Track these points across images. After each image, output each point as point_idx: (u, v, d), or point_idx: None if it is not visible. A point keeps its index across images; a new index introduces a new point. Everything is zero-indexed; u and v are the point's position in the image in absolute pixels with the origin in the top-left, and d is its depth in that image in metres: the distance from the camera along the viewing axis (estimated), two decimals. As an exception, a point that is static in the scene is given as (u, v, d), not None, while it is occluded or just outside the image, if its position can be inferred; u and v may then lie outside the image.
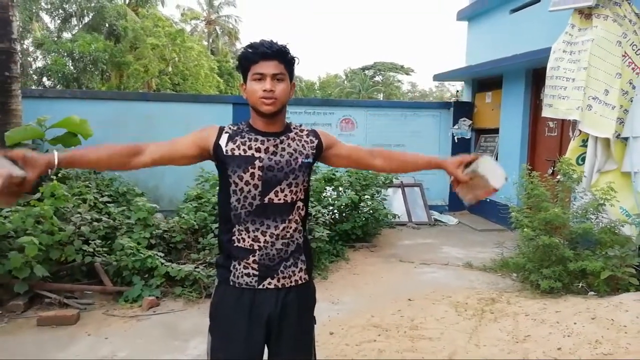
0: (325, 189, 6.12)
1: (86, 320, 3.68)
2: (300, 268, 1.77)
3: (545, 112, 5.33)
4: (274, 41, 1.68)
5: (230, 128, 1.74)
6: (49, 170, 1.51)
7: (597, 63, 4.69)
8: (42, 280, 3.92)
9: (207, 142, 1.71)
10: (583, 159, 4.93)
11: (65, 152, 1.56)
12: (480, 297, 4.17)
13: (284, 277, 1.72)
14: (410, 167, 1.96)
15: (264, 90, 1.64)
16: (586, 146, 4.88)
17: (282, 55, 1.67)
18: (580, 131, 4.94)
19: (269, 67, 1.65)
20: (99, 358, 3.11)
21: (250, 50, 1.67)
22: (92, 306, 3.94)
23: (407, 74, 39.24)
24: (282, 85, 1.67)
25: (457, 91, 10.32)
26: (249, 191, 1.67)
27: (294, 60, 1.72)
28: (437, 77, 9.35)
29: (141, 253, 4.17)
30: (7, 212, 4.12)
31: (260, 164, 1.67)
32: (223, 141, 1.69)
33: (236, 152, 1.68)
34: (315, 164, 1.87)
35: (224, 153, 1.68)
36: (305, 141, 1.77)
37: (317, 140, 1.80)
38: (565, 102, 4.94)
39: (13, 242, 3.81)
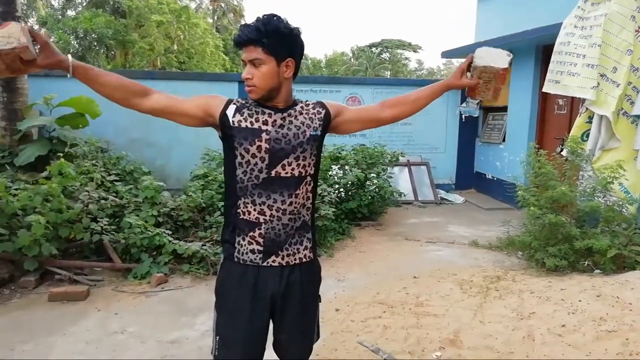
0: (331, 168, 6.11)
1: (96, 296, 3.74)
2: (306, 246, 1.77)
3: (549, 88, 5.21)
4: (257, 20, 1.59)
5: (238, 101, 1.72)
6: (58, 69, 1.51)
7: (609, 39, 4.59)
8: (52, 257, 3.99)
9: (214, 110, 1.68)
10: (587, 136, 4.88)
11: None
12: (485, 275, 4.18)
13: (288, 255, 1.72)
14: (421, 102, 1.90)
15: (242, 77, 1.63)
16: (592, 123, 4.82)
17: (256, 40, 1.57)
18: (587, 108, 4.87)
19: (247, 53, 1.60)
20: (109, 332, 3.17)
21: (235, 35, 1.63)
22: (101, 282, 4.01)
23: (415, 51, 38.62)
24: (261, 70, 1.60)
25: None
26: (256, 164, 1.65)
27: (277, 38, 1.58)
28: (445, 54, 9.20)
29: (149, 231, 4.22)
30: (15, 190, 4.16)
31: (267, 137, 1.65)
32: (230, 112, 1.67)
33: (243, 124, 1.66)
34: (324, 140, 1.82)
35: (231, 124, 1.66)
36: (312, 113, 1.74)
37: (324, 111, 1.76)
38: (576, 79, 4.84)
39: (22, 220, 3.86)
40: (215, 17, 30.85)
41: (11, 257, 3.86)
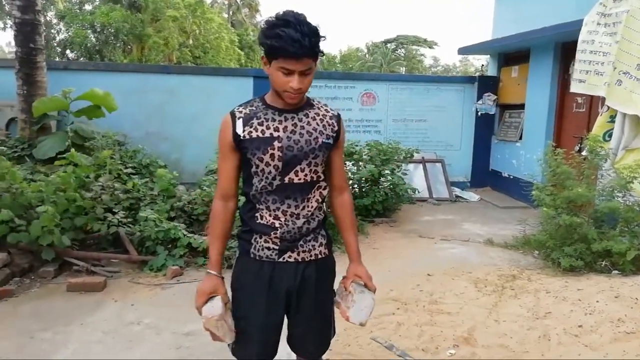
0: (345, 164, 6.10)
1: (113, 288, 3.80)
2: (321, 242, 1.79)
3: (576, 88, 5.14)
4: (304, 30, 1.51)
5: (241, 111, 1.69)
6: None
7: (630, 36, 4.49)
8: (69, 248, 4.05)
9: (231, 141, 1.68)
10: (610, 135, 4.79)
11: (210, 265, 1.74)
12: (500, 274, 4.15)
13: (304, 251, 1.74)
14: (341, 229, 1.93)
15: (292, 88, 1.58)
16: (614, 122, 4.73)
17: (314, 52, 1.56)
18: (608, 107, 4.78)
19: (298, 65, 1.55)
20: (126, 323, 3.22)
21: (276, 44, 1.52)
22: (118, 274, 4.06)
23: (431, 47, 38.32)
24: (309, 78, 1.60)
25: (482, 65, 10.07)
26: (270, 172, 1.66)
27: (320, 45, 1.60)
28: (461, 51, 9.11)
29: (164, 224, 4.26)
30: (33, 181, 4.23)
31: (280, 144, 1.65)
32: (239, 128, 1.66)
33: (254, 135, 1.65)
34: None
35: (242, 138, 1.65)
36: (327, 122, 1.73)
37: (337, 128, 1.76)
38: (603, 78, 4.75)
39: (38, 211, 3.92)
40: (231, 12, 30.94)
41: (30, 248, 3.94)
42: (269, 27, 1.56)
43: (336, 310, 1.91)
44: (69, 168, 4.35)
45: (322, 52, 1.62)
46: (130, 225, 4.44)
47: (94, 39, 19.34)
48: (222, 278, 1.70)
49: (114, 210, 4.48)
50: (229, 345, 1.83)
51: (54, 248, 3.94)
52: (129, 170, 5.33)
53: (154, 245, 4.26)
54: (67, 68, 7.45)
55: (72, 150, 4.63)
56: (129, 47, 20.91)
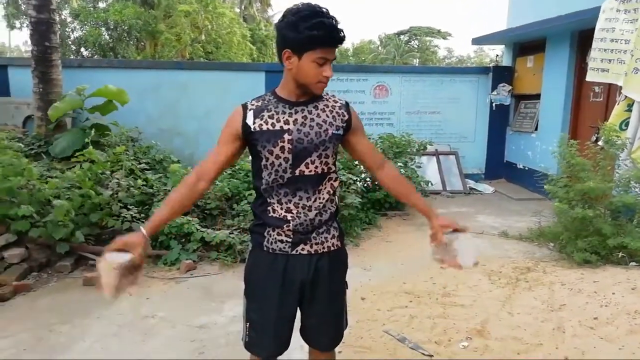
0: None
1: (128, 282, 3.85)
2: (333, 235, 1.79)
3: (596, 77, 5.02)
4: (334, 18, 1.61)
5: (253, 104, 1.71)
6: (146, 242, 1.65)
7: (649, 22, 4.38)
8: (85, 243, 4.12)
9: (236, 131, 1.70)
10: (627, 124, 4.69)
11: (146, 222, 1.69)
12: (515, 266, 4.11)
13: (316, 244, 1.74)
14: (403, 198, 1.89)
15: (325, 76, 1.62)
16: (631, 111, 4.63)
17: (343, 41, 1.64)
18: (625, 95, 4.67)
19: (333, 53, 1.63)
20: (141, 316, 3.27)
21: (320, 33, 1.55)
22: (133, 268, 4.11)
23: (445, 38, 37.84)
24: (331, 67, 1.66)
25: (497, 55, 9.90)
26: (280, 164, 1.67)
27: None
28: (476, 41, 8.98)
29: (177, 219, 4.30)
30: (49, 178, 4.31)
31: (290, 137, 1.65)
32: (250, 120, 1.67)
33: (264, 127, 1.66)
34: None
35: (252, 130, 1.67)
36: (337, 113, 1.74)
37: (347, 116, 1.76)
38: (623, 66, 4.65)
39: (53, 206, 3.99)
40: (242, 7, 30.93)
41: (47, 243, 4.01)
42: (302, 19, 1.56)
43: (346, 295, 1.89)
44: (85, 165, 4.41)
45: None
46: (144, 220, 4.49)
47: (107, 37, 19.52)
48: (146, 240, 1.63)
49: (128, 206, 4.53)
50: (242, 339, 1.85)
51: (69, 243, 4.00)
52: (143, 166, 5.38)
53: (167, 239, 4.30)
54: (82, 66, 7.53)
55: (90, 147, 4.69)
56: (142, 43, 21.06)
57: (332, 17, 1.60)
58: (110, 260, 1.55)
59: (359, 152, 1.84)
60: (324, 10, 1.60)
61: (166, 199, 1.73)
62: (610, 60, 4.83)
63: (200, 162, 1.77)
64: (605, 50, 4.85)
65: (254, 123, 1.67)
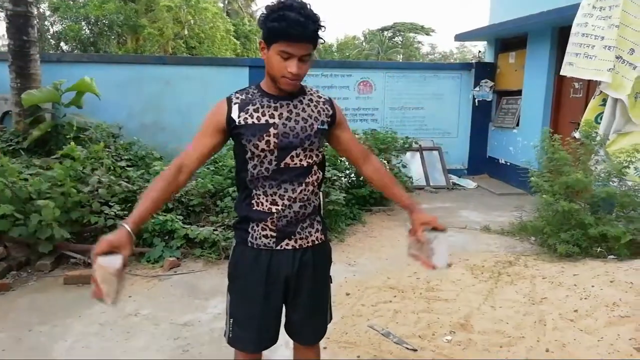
0: (342, 153, 6.08)
1: (110, 280, 3.79)
2: (317, 229, 1.79)
3: (565, 71, 5.10)
4: (307, 14, 1.53)
5: (238, 97, 1.69)
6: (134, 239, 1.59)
7: (627, 20, 4.46)
8: (66, 241, 4.05)
9: (221, 123, 1.67)
10: (601, 118, 4.78)
11: (128, 218, 1.60)
12: (497, 260, 4.16)
13: (301, 238, 1.74)
14: (387, 192, 1.90)
15: (290, 72, 1.57)
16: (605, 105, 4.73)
17: (312, 38, 1.57)
18: (601, 90, 4.77)
19: (299, 49, 1.55)
20: (124, 315, 3.23)
21: (279, 25, 1.52)
22: (115, 266, 4.06)
23: (428, 34, 38.07)
24: (307, 65, 1.61)
25: (479, 52, 10.00)
26: (265, 156, 1.66)
27: (319, 32, 1.60)
28: (458, 37, 9.05)
29: (160, 216, 4.25)
30: (28, 175, 4.22)
31: (275, 131, 1.65)
32: (235, 113, 1.66)
33: (249, 121, 1.65)
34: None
35: (237, 124, 1.65)
36: (321, 108, 1.74)
37: (332, 111, 1.77)
38: (593, 61, 4.72)
39: (35, 205, 3.91)
40: (226, 2, 30.65)
41: (27, 241, 3.93)
42: (271, 10, 1.56)
43: (334, 290, 1.90)
44: (66, 162, 4.33)
45: (322, 39, 1.62)
46: (126, 218, 4.43)
47: (88, 31, 19.15)
48: (132, 237, 1.56)
49: (109, 203, 4.46)
50: (224, 334, 1.84)
51: (52, 241, 3.93)
52: (124, 163, 5.30)
53: (150, 237, 4.25)
54: (61, 60, 7.38)
55: (72, 143, 4.59)
56: (124, 38, 20.72)
57: (302, 12, 1.52)
58: (106, 266, 1.49)
59: (343, 146, 1.85)
60: (295, 4, 1.53)
61: (145, 193, 1.67)
62: (577, 55, 4.91)
63: (180, 154, 1.72)
64: (576, 44, 4.93)
65: (238, 117, 1.65)
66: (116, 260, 1.50)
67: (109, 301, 1.51)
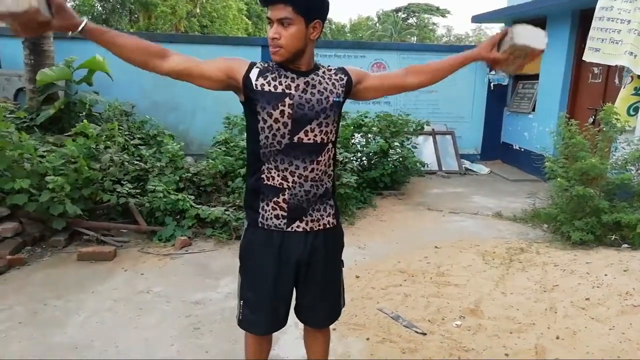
0: (354, 136, 6.04)
1: (122, 257, 3.85)
2: (329, 213, 1.77)
3: (589, 57, 4.97)
4: None
5: (260, 64, 1.68)
6: (71, 31, 1.49)
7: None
8: (79, 218, 4.09)
9: (236, 73, 1.64)
10: (636, 109, 4.63)
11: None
12: (508, 247, 4.14)
13: (312, 221, 1.73)
14: (446, 71, 1.84)
15: (269, 37, 1.57)
16: (639, 95, 4.58)
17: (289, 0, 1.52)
18: (632, 78, 4.61)
19: (274, 12, 1.54)
20: (136, 292, 3.27)
21: None
22: (127, 244, 4.11)
23: (443, 16, 37.36)
24: (289, 31, 1.55)
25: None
26: (278, 129, 1.63)
27: (317, 8, 1.57)
28: (475, 19, 8.85)
29: (172, 195, 4.28)
30: (44, 151, 4.25)
31: (291, 102, 1.62)
32: (253, 75, 1.63)
33: (266, 88, 1.62)
34: (344, 109, 1.81)
35: (254, 87, 1.62)
36: (335, 79, 1.71)
37: (346, 77, 1.74)
38: (620, 47, 4.57)
39: (49, 181, 3.95)
40: (239, -20, 30.25)
41: (41, 217, 3.98)
42: None
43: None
44: (79, 139, 4.35)
45: (308, 6, 1.55)
46: (138, 196, 4.47)
47: (100, 8, 19.10)
48: (77, 19, 1.48)
49: (122, 181, 4.49)
50: (236, 317, 1.85)
51: (65, 218, 3.98)
52: (136, 142, 5.32)
53: (162, 216, 4.29)
54: (75, 38, 7.34)
55: (85, 121, 4.61)
56: (136, 15, 20.64)
57: None
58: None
59: (377, 88, 1.81)
60: None
61: (127, 34, 1.61)
62: (602, 40, 4.75)
63: (178, 52, 1.64)
64: (601, 29, 4.78)
65: (257, 80, 1.63)
66: (46, 10, 1.39)
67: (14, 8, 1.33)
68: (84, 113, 5.29)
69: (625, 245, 4.00)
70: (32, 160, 3.97)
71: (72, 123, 5.35)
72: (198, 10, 20.69)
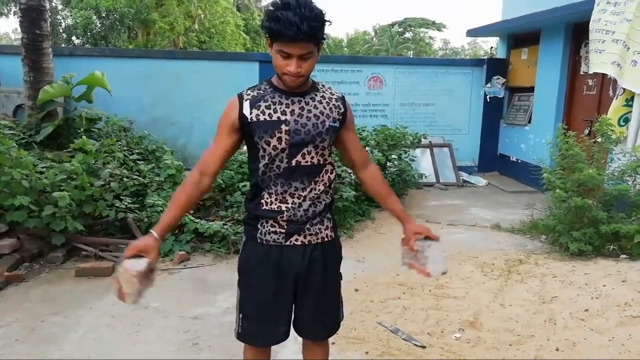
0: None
1: (121, 272, 3.83)
2: (327, 226, 1.79)
3: (590, 68, 5.06)
4: (303, 14, 1.47)
5: (249, 94, 1.69)
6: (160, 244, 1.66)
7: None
8: (78, 234, 4.09)
9: (234, 123, 1.68)
10: (626, 120, 4.68)
11: (156, 226, 1.69)
12: (507, 258, 4.14)
13: (310, 234, 1.74)
14: (382, 200, 1.92)
15: (289, 71, 1.56)
16: (631, 106, 4.63)
17: (313, 37, 1.52)
18: (623, 89, 4.67)
19: (296, 49, 1.53)
20: (134, 307, 3.25)
21: (274, 26, 1.50)
22: (126, 259, 4.09)
23: (439, 30, 37.74)
24: (309, 62, 1.58)
25: (492, 47, 9.90)
26: (277, 155, 1.66)
27: (322, 28, 1.55)
28: (470, 33, 8.97)
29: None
30: (42, 168, 4.26)
31: (287, 128, 1.64)
32: (246, 110, 1.65)
33: (261, 118, 1.64)
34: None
35: (249, 121, 1.65)
36: (333, 105, 1.73)
37: (343, 109, 1.76)
38: (602, 55, 4.66)
39: (49, 197, 3.95)
40: (237, -4, 30.59)
41: (40, 233, 3.98)
42: (269, 9, 1.54)
43: (341, 290, 1.90)
44: (78, 155, 4.36)
45: (323, 37, 1.58)
46: (137, 211, 4.47)
47: (99, 25, 19.26)
48: (159, 243, 1.64)
49: (121, 197, 4.50)
50: (234, 330, 1.85)
51: (64, 234, 3.97)
52: (135, 157, 5.34)
53: (161, 230, 4.28)
54: (73, 54, 7.43)
55: (84, 137, 4.63)
56: (134, 32, 20.81)
57: (301, 10, 1.47)
58: (130, 269, 1.57)
59: (346, 145, 1.84)
60: (293, 3, 1.49)
61: (173, 199, 1.72)
62: (592, 50, 4.86)
63: (201, 157, 1.74)
64: (592, 40, 4.88)
65: (250, 113, 1.65)
66: (140, 264, 1.58)
67: (130, 301, 1.59)
68: (82, 129, 5.32)
69: (624, 256, 4.00)
70: (30, 177, 3.98)
71: (71, 139, 5.37)
72: (196, 26, 20.89)
